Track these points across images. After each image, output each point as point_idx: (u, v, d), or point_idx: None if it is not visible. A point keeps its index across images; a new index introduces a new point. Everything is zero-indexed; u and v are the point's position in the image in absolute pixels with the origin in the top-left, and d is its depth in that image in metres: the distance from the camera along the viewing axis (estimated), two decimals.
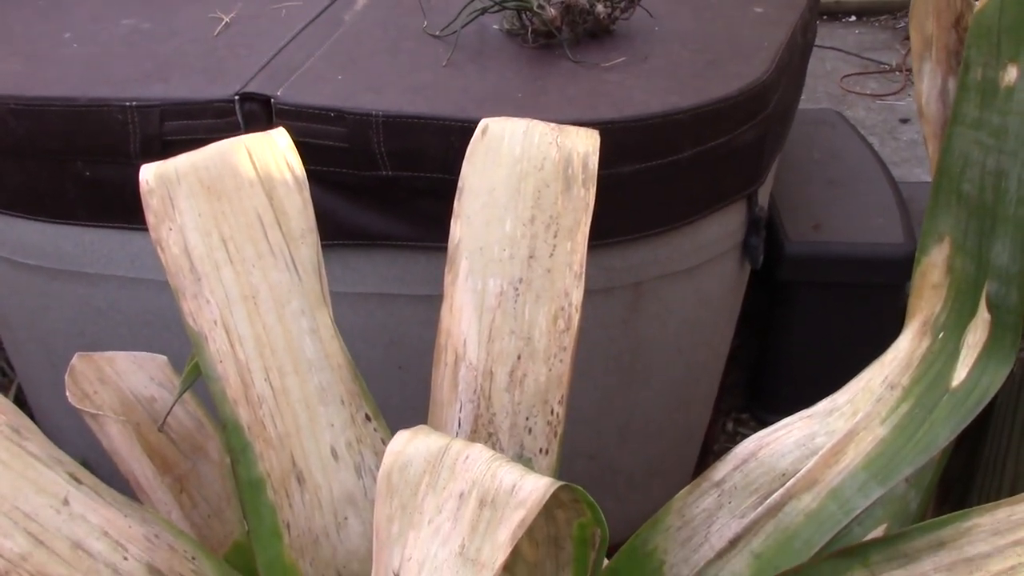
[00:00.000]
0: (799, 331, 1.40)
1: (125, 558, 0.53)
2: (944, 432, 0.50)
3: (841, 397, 0.58)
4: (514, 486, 0.45)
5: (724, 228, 1.17)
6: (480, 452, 0.46)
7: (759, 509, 0.56)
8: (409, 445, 0.47)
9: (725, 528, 0.57)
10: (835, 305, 1.37)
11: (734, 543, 0.56)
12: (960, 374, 0.52)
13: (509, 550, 0.43)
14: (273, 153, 0.58)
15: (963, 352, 0.52)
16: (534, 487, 0.44)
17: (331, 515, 0.57)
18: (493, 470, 0.45)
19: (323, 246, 0.69)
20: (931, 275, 0.56)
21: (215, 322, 0.55)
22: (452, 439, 0.47)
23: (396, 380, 1.10)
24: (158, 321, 1.09)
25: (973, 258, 0.53)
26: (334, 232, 1.01)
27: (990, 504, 0.40)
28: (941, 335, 0.55)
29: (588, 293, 1.15)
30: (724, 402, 1.48)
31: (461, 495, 0.45)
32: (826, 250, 1.34)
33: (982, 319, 0.52)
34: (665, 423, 1.26)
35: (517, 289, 0.66)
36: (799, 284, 1.37)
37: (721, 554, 0.56)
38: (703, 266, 1.17)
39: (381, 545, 0.46)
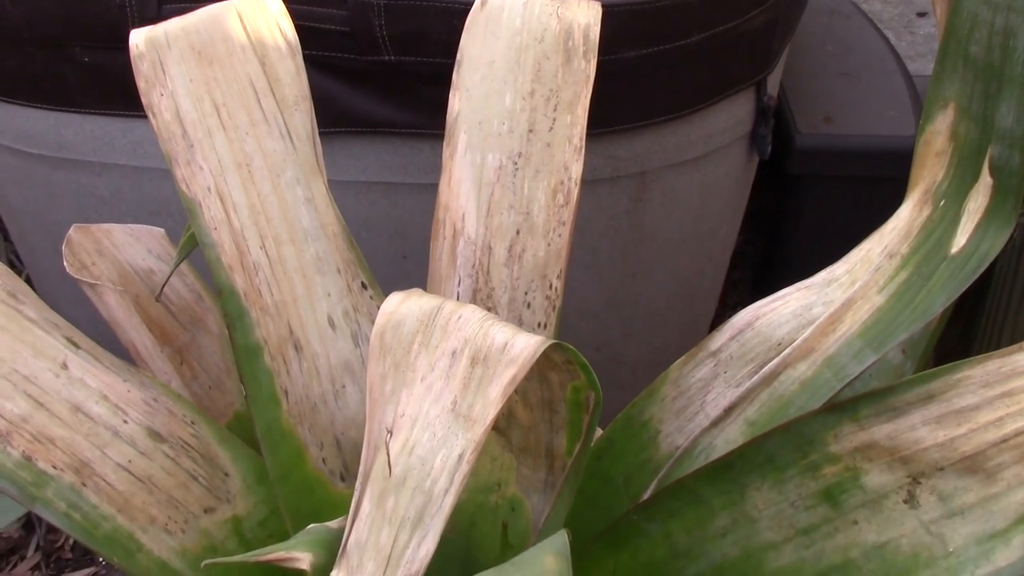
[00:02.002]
0: (807, 226, 1.39)
1: (125, 421, 0.54)
2: (941, 298, 0.50)
3: (840, 268, 0.58)
4: (506, 344, 0.45)
5: (732, 117, 1.15)
6: (473, 312, 0.46)
7: (754, 378, 0.56)
8: (402, 305, 0.47)
9: (720, 397, 0.57)
10: (845, 200, 1.36)
11: (729, 412, 0.57)
12: (960, 240, 0.51)
13: (500, 406, 0.43)
14: (265, 18, 0.56)
15: (964, 219, 0.52)
16: (526, 344, 0.44)
17: (329, 383, 0.57)
18: (485, 329, 0.46)
19: (325, 134, 0.68)
20: (934, 143, 0.55)
21: (209, 189, 0.55)
22: (445, 300, 0.47)
23: (401, 270, 1.10)
24: (163, 210, 1.08)
25: (978, 122, 0.52)
26: (336, 119, 1.00)
27: (981, 356, 0.40)
28: (942, 203, 0.54)
29: (592, 183, 1.15)
30: (730, 297, 1.48)
31: (453, 353, 0.45)
32: (837, 143, 1.32)
33: (984, 184, 0.51)
34: (670, 316, 1.26)
35: (516, 163, 0.66)
36: (808, 178, 1.35)
37: (716, 423, 0.57)
38: (710, 156, 1.16)
39: (374, 403, 0.46)
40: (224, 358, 0.65)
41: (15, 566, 1.16)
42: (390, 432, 0.45)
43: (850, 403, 0.42)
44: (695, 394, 0.58)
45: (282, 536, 0.58)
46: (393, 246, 1.09)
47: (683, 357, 0.59)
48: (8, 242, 1.47)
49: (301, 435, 0.56)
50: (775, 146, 1.24)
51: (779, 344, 0.57)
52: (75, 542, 1.19)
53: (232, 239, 0.55)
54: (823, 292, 0.57)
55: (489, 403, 0.44)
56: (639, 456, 0.59)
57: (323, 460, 0.57)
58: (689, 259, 1.23)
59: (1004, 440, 0.39)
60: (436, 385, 0.45)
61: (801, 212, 1.39)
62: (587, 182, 1.13)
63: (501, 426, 0.54)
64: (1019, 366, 0.39)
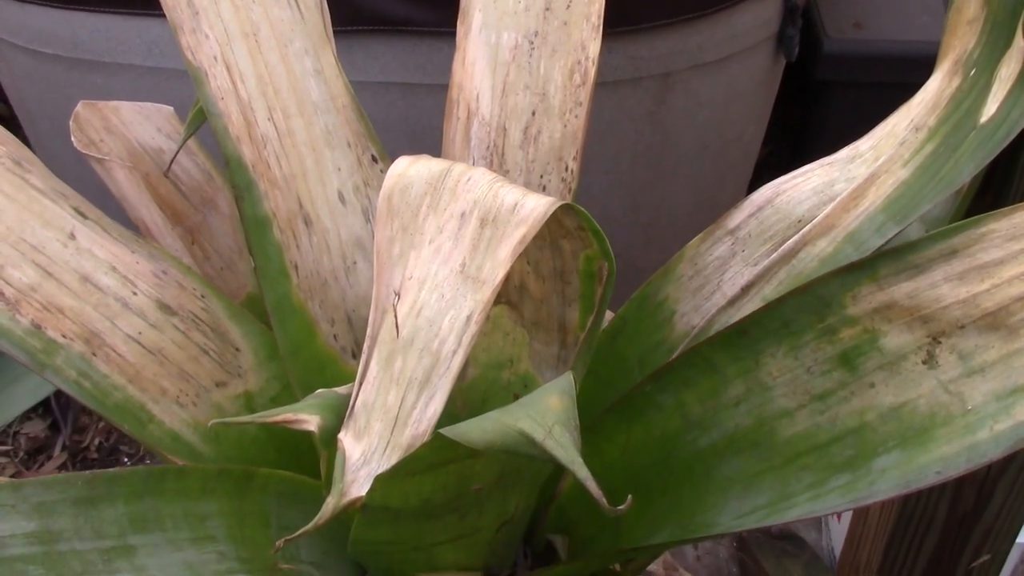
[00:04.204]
0: (834, 134, 1.36)
1: (134, 293, 0.53)
2: (969, 167, 0.48)
3: (864, 144, 0.56)
4: (516, 204, 0.44)
5: (759, 17, 1.12)
6: (482, 174, 0.45)
7: (773, 256, 0.55)
8: (410, 168, 0.46)
9: (738, 276, 0.56)
10: (873, 107, 1.32)
11: (746, 290, 0.55)
12: (990, 109, 0.49)
13: (509, 266, 0.42)
14: None
15: (995, 86, 0.50)
16: (536, 205, 0.43)
17: (339, 259, 0.57)
18: (495, 190, 0.44)
19: (341, 32, 0.66)
20: (966, 10, 0.53)
21: (215, 58, 0.53)
22: (454, 163, 0.46)
23: None
24: (178, 111, 1.07)
25: None
26: (352, 17, 0.98)
27: (1006, 209, 0.39)
28: (973, 72, 0.52)
29: (613, 84, 1.12)
30: None
31: (462, 215, 0.44)
32: (867, 48, 1.29)
33: (1017, 50, 0.49)
34: (692, 224, 1.24)
35: (532, 42, 0.64)
36: (836, 84, 1.32)
37: (733, 301, 0.56)
38: (735, 57, 1.13)
39: (382, 266, 0.45)
40: (236, 239, 0.64)
41: (42, 465, 1.18)
42: (398, 295, 0.45)
43: (869, 261, 0.41)
44: (712, 273, 0.57)
45: None
46: (413, 148, 1.07)
47: (700, 235, 0.58)
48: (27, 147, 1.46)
49: (312, 311, 0.56)
50: (802, 52, 1.20)
51: (799, 221, 0.55)
52: (100, 442, 1.21)
53: (239, 109, 0.54)
54: (846, 168, 0.55)
55: (498, 264, 0.43)
56: (654, 336, 0.58)
57: (334, 337, 0.57)
58: (712, 165, 1.21)
59: None
60: (445, 247, 0.44)
61: (828, 120, 1.36)
62: (608, 84, 1.11)
63: (513, 300, 0.53)
64: None
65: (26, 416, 1.22)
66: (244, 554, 0.46)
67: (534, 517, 0.57)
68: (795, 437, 0.44)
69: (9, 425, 1.19)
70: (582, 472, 0.29)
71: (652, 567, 0.65)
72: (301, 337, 0.55)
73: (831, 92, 1.33)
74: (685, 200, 1.22)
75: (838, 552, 1.16)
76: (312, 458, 0.56)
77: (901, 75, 1.30)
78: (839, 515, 1.16)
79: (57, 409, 1.23)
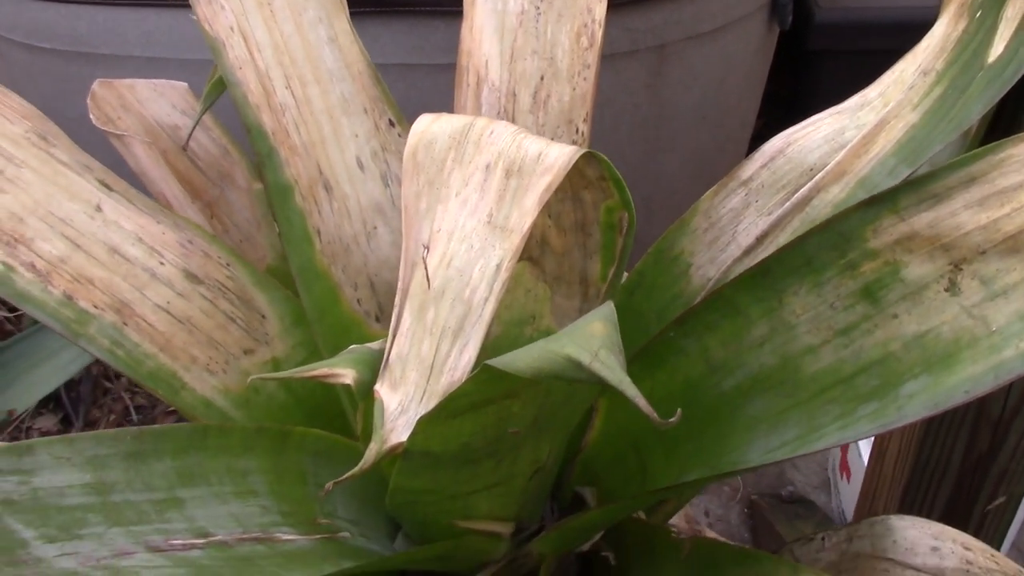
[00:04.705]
0: (827, 104, 1.37)
1: (162, 263, 0.54)
2: (978, 106, 0.49)
3: (872, 91, 0.57)
4: (540, 154, 0.44)
5: None
6: (505, 127, 0.46)
7: (786, 205, 0.56)
8: (433, 124, 0.47)
9: (752, 226, 0.57)
10: (866, 75, 1.33)
11: (761, 240, 0.56)
12: (997, 49, 0.50)
13: (536, 214, 0.43)
14: None
15: (1001, 26, 0.51)
16: (560, 153, 0.44)
17: (360, 224, 0.57)
18: (518, 141, 0.45)
19: None
20: None
21: (232, 28, 0.54)
22: (476, 117, 0.47)
23: None
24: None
25: None
26: None
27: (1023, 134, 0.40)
28: (979, 14, 0.53)
29: (610, 57, 1.13)
30: None
31: (487, 167, 0.45)
32: (858, 17, 1.30)
33: None
34: (689, 196, 1.26)
35: (538, 8, 0.65)
36: (828, 54, 1.33)
37: (748, 251, 0.57)
38: (729, 27, 1.14)
39: (410, 221, 0.46)
40: (254, 212, 0.65)
41: None
42: (427, 248, 0.45)
43: (889, 194, 0.42)
44: (726, 224, 0.58)
45: None
46: None
47: (714, 187, 0.59)
48: None
49: (335, 275, 0.56)
50: (794, 22, 1.21)
51: (811, 169, 0.56)
52: None
53: (258, 79, 0.54)
54: (855, 116, 0.57)
55: (525, 212, 0.44)
56: (671, 290, 0.59)
57: (358, 301, 0.58)
58: (709, 135, 1.22)
59: None
60: (471, 199, 0.45)
61: (820, 90, 1.37)
62: (605, 56, 1.12)
63: (535, 255, 0.54)
64: None
65: (38, 411, 1.22)
66: (285, 508, 0.47)
67: (561, 470, 0.58)
68: (820, 372, 0.45)
69: (21, 420, 1.20)
70: (631, 391, 0.30)
71: (675, 520, 0.66)
72: (326, 302, 0.56)
73: (823, 61, 1.34)
74: (683, 172, 1.23)
75: (848, 514, 1.18)
76: (340, 424, 0.57)
77: (893, 43, 1.31)
78: (848, 476, 1.17)
79: (68, 403, 1.24)
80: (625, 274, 0.64)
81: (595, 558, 0.59)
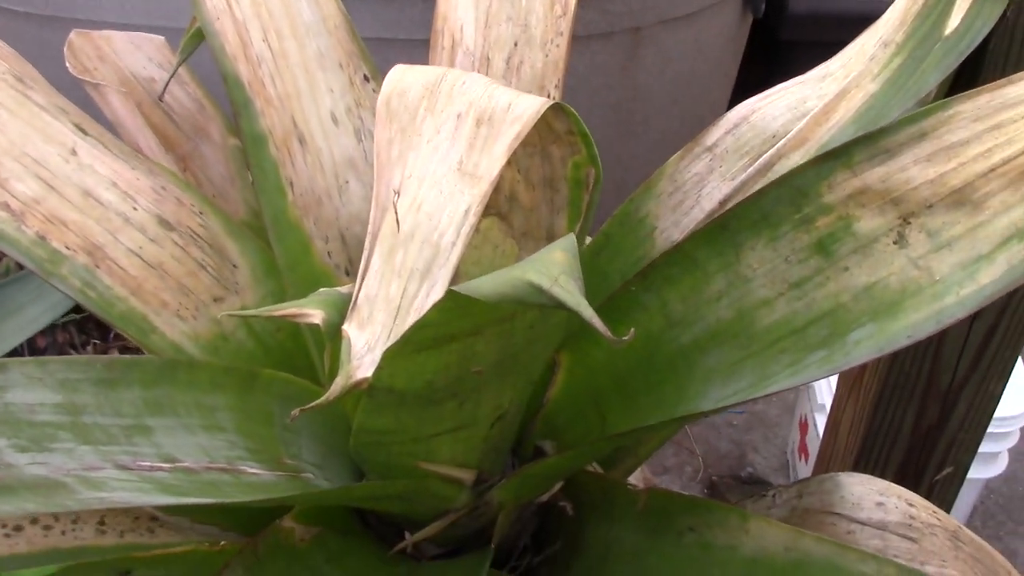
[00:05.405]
0: None
1: (135, 208, 0.55)
2: (933, 76, 0.51)
3: (835, 63, 0.59)
4: (510, 104, 0.46)
5: None
6: (477, 78, 0.47)
7: (749, 170, 0.58)
8: (407, 74, 0.48)
9: (715, 191, 0.59)
10: None
11: (724, 204, 0.58)
12: (954, 22, 0.52)
13: (505, 162, 0.45)
14: None
15: (958, 0, 0.53)
16: (529, 103, 0.45)
17: (333, 178, 0.58)
18: (490, 92, 0.47)
19: None
20: None
21: None
22: (449, 68, 0.48)
23: None
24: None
25: None
26: None
27: (972, 91, 0.41)
28: None
29: (586, 38, 1.14)
30: None
31: (459, 116, 0.46)
32: (831, 7, 1.32)
33: None
34: None
35: None
36: (801, 44, 1.35)
37: (711, 215, 0.58)
38: (703, 13, 1.16)
39: (381, 167, 0.47)
40: (228, 168, 0.66)
41: None
42: (397, 193, 0.47)
43: (843, 149, 0.44)
44: (691, 188, 0.59)
45: (291, 329, 0.60)
46: None
47: (679, 152, 0.60)
48: None
49: (307, 227, 0.57)
50: (767, 12, 1.23)
51: (774, 136, 0.58)
52: None
53: (235, 29, 0.55)
54: (818, 86, 0.58)
55: (494, 160, 0.45)
56: (636, 252, 0.61)
57: (328, 254, 0.59)
58: (680, 120, 1.24)
59: (992, 170, 0.40)
60: (442, 146, 0.46)
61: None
62: (581, 38, 1.13)
63: (503, 211, 0.55)
64: (1009, 98, 0.41)
65: None
66: (251, 445, 0.48)
67: (523, 425, 0.59)
68: (774, 324, 0.47)
69: None
70: (587, 312, 0.32)
71: (634, 481, 0.68)
72: (297, 253, 0.57)
73: (795, 52, 1.37)
74: (655, 156, 1.25)
75: None
76: (309, 376, 0.58)
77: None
78: (806, 457, 1.20)
79: None
80: (589, 238, 0.65)
81: (553, 510, 0.60)
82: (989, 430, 1.05)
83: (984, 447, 1.06)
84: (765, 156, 0.57)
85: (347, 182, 0.59)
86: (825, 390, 1.14)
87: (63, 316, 1.21)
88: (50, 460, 0.35)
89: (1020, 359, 1.11)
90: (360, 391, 0.44)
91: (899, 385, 0.67)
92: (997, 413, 1.05)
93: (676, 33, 1.15)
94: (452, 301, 0.35)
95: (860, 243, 0.44)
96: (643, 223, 0.61)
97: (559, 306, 0.32)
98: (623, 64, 1.15)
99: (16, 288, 0.78)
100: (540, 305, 0.33)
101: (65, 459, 0.35)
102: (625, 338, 0.32)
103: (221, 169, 0.65)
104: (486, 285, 0.34)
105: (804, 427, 1.21)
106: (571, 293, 0.32)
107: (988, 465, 1.09)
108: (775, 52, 1.39)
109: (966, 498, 1.14)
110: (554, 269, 0.33)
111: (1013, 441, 1.08)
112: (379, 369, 0.42)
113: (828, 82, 0.58)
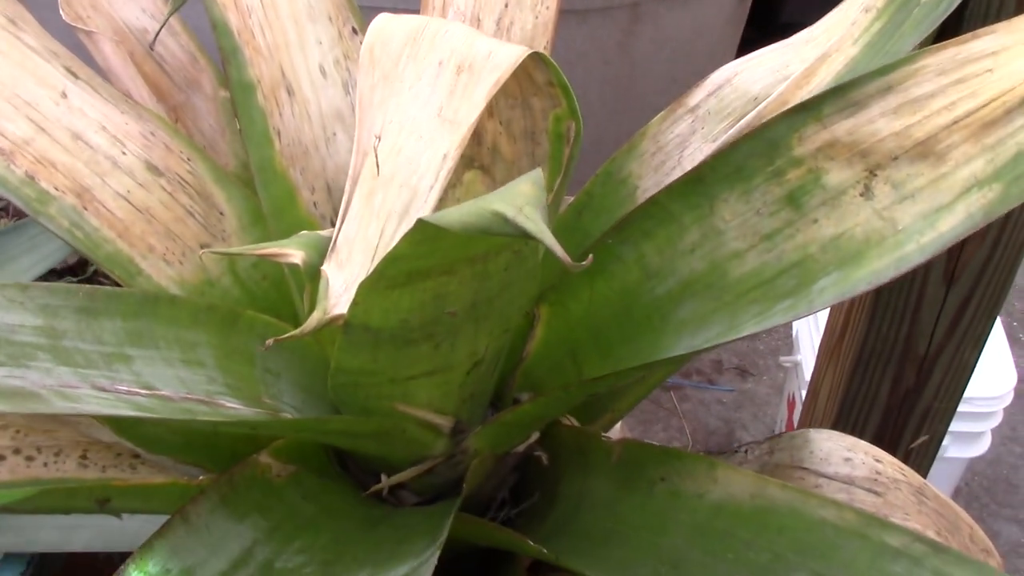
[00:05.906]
0: None
1: (124, 153, 0.56)
2: (911, 40, 0.52)
3: (818, 28, 0.60)
4: (490, 52, 0.47)
5: None
6: (459, 27, 0.48)
7: (731, 132, 0.59)
8: (391, 22, 0.49)
9: (697, 152, 0.59)
10: None
11: None
12: None
13: (484, 108, 0.46)
14: None
15: None
16: (509, 51, 0.46)
17: (320, 129, 0.59)
18: (471, 40, 0.47)
19: None
20: None
21: None
22: (432, 18, 0.49)
23: None
24: None
25: None
26: None
27: (938, 44, 0.42)
28: None
29: (584, 12, 1.15)
30: None
31: (440, 63, 0.47)
32: None
33: None
34: None
35: None
36: (800, 28, 1.36)
37: None
38: None
39: (363, 112, 0.48)
40: (219, 120, 0.66)
41: None
42: (378, 137, 0.48)
43: (814, 101, 0.44)
44: (673, 149, 0.60)
45: (276, 277, 0.61)
46: None
47: (662, 113, 0.61)
48: None
49: (293, 177, 0.58)
50: None
51: (756, 99, 0.59)
52: None
53: None
54: (800, 50, 0.59)
55: (474, 106, 0.46)
56: (618, 211, 0.62)
57: (314, 204, 0.60)
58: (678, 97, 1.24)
59: (955, 122, 0.41)
60: (423, 93, 0.47)
61: None
62: (579, 12, 1.14)
63: (486, 163, 0.56)
64: (974, 52, 0.41)
65: None
66: (231, 382, 0.49)
67: (503, 378, 0.60)
68: (744, 276, 0.48)
69: None
70: (549, 240, 0.33)
71: (611, 434, 0.69)
72: (283, 202, 0.58)
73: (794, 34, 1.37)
74: None
75: None
76: (292, 323, 0.59)
77: None
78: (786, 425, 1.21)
79: None
80: (570, 198, 0.66)
81: (531, 464, 0.61)
82: (972, 409, 1.06)
83: (967, 426, 1.07)
84: (747, 118, 0.58)
85: (334, 134, 0.60)
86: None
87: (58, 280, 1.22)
88: (28, 376, 0.36)
89: (1007, 342, 1.12)
90: (337, 330, 0.45)
91: (877, 350, 0.68)
92: (981, 392, 1.06)
93: (674, 11, 1.16)
94: (421, 233, 0.36)
95: (829, 195, 0.45)
96: (625, 183, 0.61)
97: (523, 235, 0.33)
98: (621, 40, 1.15)
99: (9, 239, 0.79)
100: (505, 234, 0.34)
101: (43, 376, 0.36)
102: (583, 263, 0.33)
103: (212, 121, 0.66)
104: (453, 214, 0.35)
105: (792, 405, 1.22)
106: (535, 222, 0.33)
107: (971, 444, 1.10)
108: (774, 35, 1.39)
109: (950, 478, 1.15)
110: (519, 199, 0.34)
111: (996, 421, 1.09)
112: (354, 305, 0.43)
113: (811, 46, 0.59)
